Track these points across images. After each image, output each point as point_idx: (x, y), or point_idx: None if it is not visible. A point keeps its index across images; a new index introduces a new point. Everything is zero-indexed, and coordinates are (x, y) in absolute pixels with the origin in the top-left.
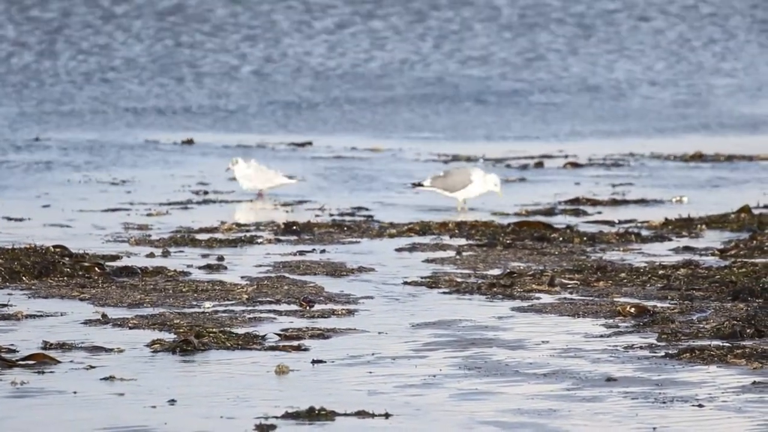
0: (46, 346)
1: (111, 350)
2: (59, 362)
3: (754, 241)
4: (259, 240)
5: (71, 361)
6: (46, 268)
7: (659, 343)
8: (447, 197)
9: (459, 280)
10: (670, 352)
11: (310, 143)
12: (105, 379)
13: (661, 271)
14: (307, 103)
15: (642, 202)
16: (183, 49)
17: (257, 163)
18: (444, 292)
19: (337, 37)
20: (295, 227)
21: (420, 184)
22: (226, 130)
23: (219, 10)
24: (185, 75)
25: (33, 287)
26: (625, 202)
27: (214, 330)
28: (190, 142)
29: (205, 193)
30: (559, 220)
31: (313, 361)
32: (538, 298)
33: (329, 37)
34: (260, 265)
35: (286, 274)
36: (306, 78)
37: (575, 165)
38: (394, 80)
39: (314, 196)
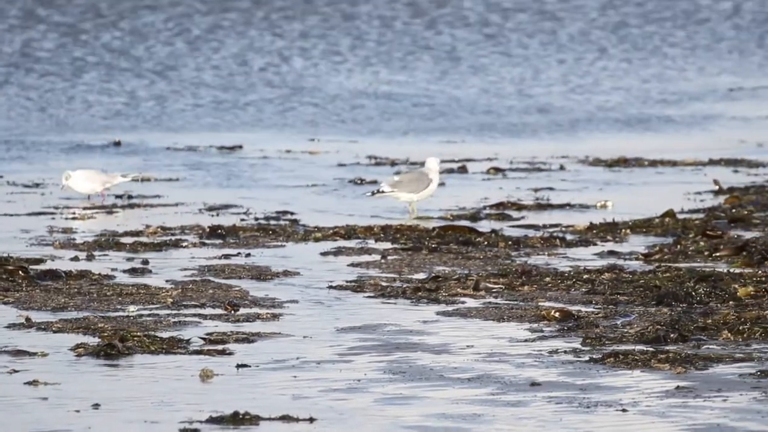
0: None
1: (35, 354)
2: None
3: (678, 246)
4: (185, 244)
5: None
6: None
7: (583, 348)
8: (404, 200)
9: (384, 284)
10: (594, 356)
11: (240, 147)
12: (28, 383)
13: (585, 276)
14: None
15: (567, 206)
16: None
17: (86, 171)
18: (369, 296)
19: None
20: (220, 231)
21: (380, 191)
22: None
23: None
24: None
25: None
26: (550, 206)
27: (138, 334)
28: (118, 143)
29: (130, 197)
30: (485, 225)
31: (238, 366)
32: (463, 303)
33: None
34: (185, 269)
35: (211, 278)
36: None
37: (498, 170)
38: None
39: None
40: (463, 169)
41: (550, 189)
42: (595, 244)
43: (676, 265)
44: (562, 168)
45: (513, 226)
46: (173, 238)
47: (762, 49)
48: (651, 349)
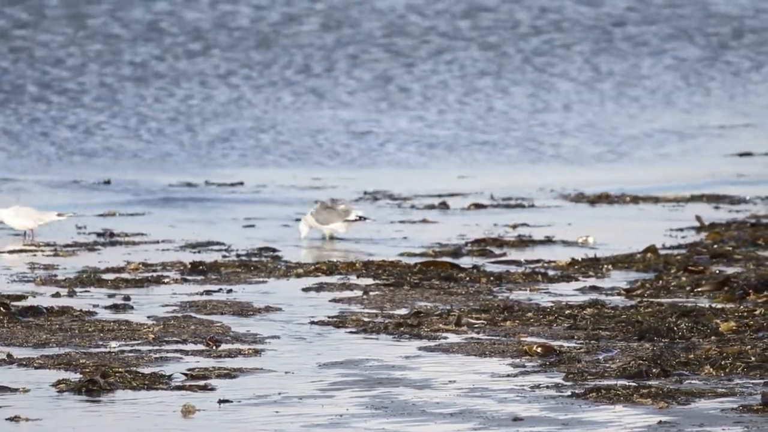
0: None
1: (16, 390)
2: None
3: (660, 281)
4: (166, 280)
5: None
6: None
7: (566, 383)
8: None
9: (366, 319)
10: (576, 391)
11: (241, 183)
12: (10, 419)
13: (567, 311)
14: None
15: (548, 242)
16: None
17: (20, 207)
18: (351, 332)
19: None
20: (201, 267)
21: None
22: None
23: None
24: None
25: None
26: (532, 242)
27: (120, 370)
28: (108, 182)
29: (111, 235)
30: (466, 261)
31: (220, 401)
32: (445, 338)
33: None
34: (167, 305)
35: (193, 314)
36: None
37: (479, 206)
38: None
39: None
40: (444, 205)
41: (530, 226)
42: (577, 280)
43: (658, 300)
44: (540, 204)
45: (494, 262)
46: (155, 274)
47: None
48: (633, 384)
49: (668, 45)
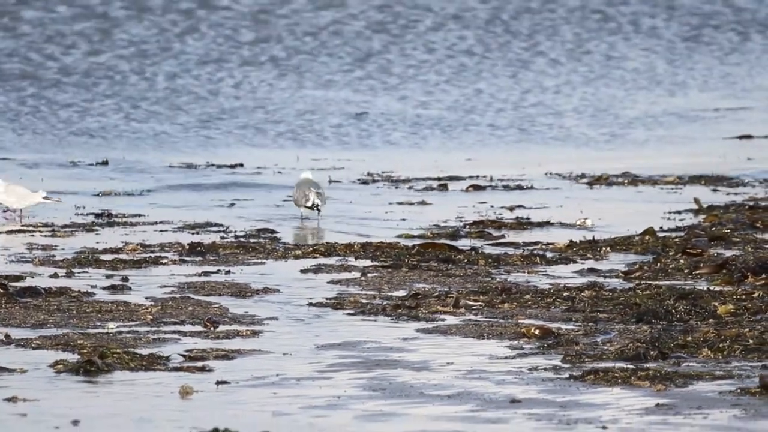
0: None
1: (14, 370)
2: None
3: (658, 264)
4: (164, 261)
5: None
6: None
7: (563, 365)
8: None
9: (364, 301)
10: (574, 373)
11: (241, 165)
12: (8, 399)
13: (565, 293)
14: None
15: (547, 224)
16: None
17: (9, 185)
18: (349, 314)
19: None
20: (200, 248)
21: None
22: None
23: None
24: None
25: None
26: (530, 224)
27: (118, 351)
28: (105, 163)
29: (110, 215)
30: (464, 243)
31: (218, 382)
32: (443, 320)
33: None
34: (165, 286)
35: (191, 295)
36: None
37: (478, 188)
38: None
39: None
40: (443, 187)
41: (528, 208)
42: (575, 262)
43: (656, 282)
44: (540, 185)
45: (493, 244)
46: (153, 255)
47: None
48: (631, 366)
49: (662, 26)
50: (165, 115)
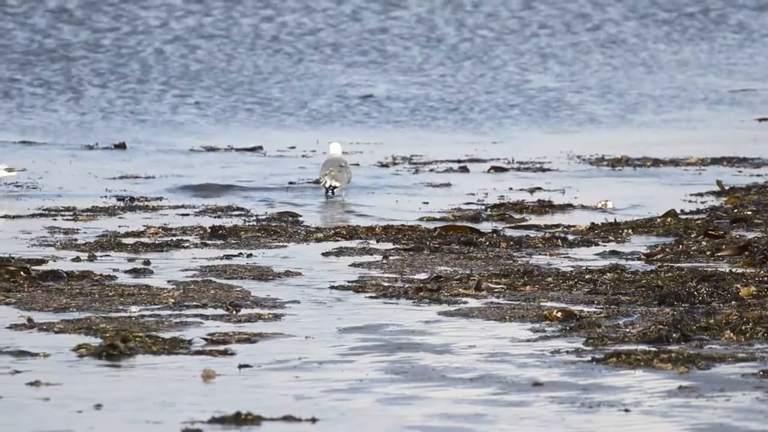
0: None
1: (36, 355)
2: None
3: (680, 246)
4: (186, 244)
5: None
6: None
7: (586, 348)
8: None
9: (386, 284)
10: (596, 356)
11: (260, 147)
12: (30, 383)
13: (587, 276)
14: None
15: (568, 207)
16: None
17: None
18: (371, 297)
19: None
20: (221, 231)
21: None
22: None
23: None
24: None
25: None
26: (551, 206)
27: (140, 334)
28: (122, 146)
29: (132, 199)
30: (486, 226)
31: (240, 366)
32: (465, 303)
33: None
34: (187, 269)
35: (213, 279)
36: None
37: (499, 169)
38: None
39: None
40: (464, 169)
41: (550, 191)
42: (596, 245)
43: (678, 265)
44: (561, 167)
45: (514, 227)
46: (174, 238)
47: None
48: (653, 348)
49: (690, 5)
50: (181, 97)
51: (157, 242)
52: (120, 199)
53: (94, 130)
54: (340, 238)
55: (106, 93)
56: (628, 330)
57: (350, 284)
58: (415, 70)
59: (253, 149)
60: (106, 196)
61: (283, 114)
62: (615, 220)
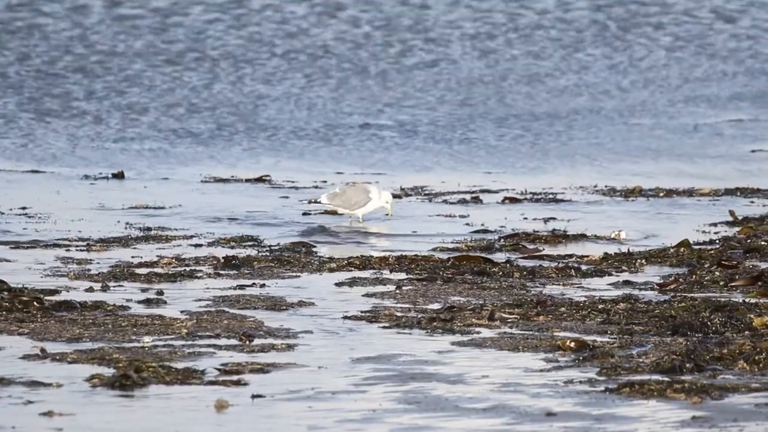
0: None
1: (50, 385)
2: None
3: (694, 276)
4: (199, 274)
5: (9, 396)
6: None
7: (599, 378)
8: (344, 213)
9: (399, 314)
10: (609, 386)
11: (267, 176)
12: (44, 414)
13: (600, 306)
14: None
15: (581, 237)
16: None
17: None
18: (384, 327)
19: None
20: (234, 261)
21: (316, 201)
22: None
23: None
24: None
25: None
26: (565, 237)
27: (153, 364)
28: (120, 175)
29: (148, 229)
30: (499, 256)
31: (253, 396)
32: (478, 333)
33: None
34: (200, 300)
35: (226, 309)
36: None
37: (513, 200)
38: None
39: None
40: (477, 200)
41: (565, 221)
42: (610, 275)
43: (692, 295)
44: (573, 198)
45: (528, 257)
46: (188, 268)
47: None
48: (666, 378)
49: (690, 37)
50: (187, 126)
51: (170, 272)
52: (137, 228)
53: (87, 158)
54: (353, 268)
55: (102, 119)
56: (641, 360)
57: (363, 314)
58: (423, 102)
59: (260, 179)
60: (125, 226)
61: (289, 142)
62: (628, 250)
